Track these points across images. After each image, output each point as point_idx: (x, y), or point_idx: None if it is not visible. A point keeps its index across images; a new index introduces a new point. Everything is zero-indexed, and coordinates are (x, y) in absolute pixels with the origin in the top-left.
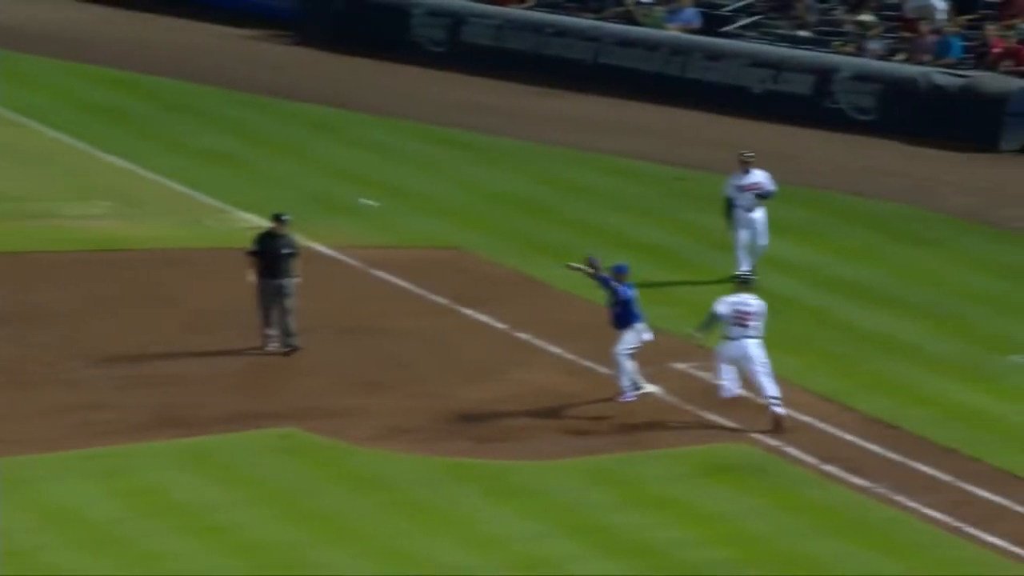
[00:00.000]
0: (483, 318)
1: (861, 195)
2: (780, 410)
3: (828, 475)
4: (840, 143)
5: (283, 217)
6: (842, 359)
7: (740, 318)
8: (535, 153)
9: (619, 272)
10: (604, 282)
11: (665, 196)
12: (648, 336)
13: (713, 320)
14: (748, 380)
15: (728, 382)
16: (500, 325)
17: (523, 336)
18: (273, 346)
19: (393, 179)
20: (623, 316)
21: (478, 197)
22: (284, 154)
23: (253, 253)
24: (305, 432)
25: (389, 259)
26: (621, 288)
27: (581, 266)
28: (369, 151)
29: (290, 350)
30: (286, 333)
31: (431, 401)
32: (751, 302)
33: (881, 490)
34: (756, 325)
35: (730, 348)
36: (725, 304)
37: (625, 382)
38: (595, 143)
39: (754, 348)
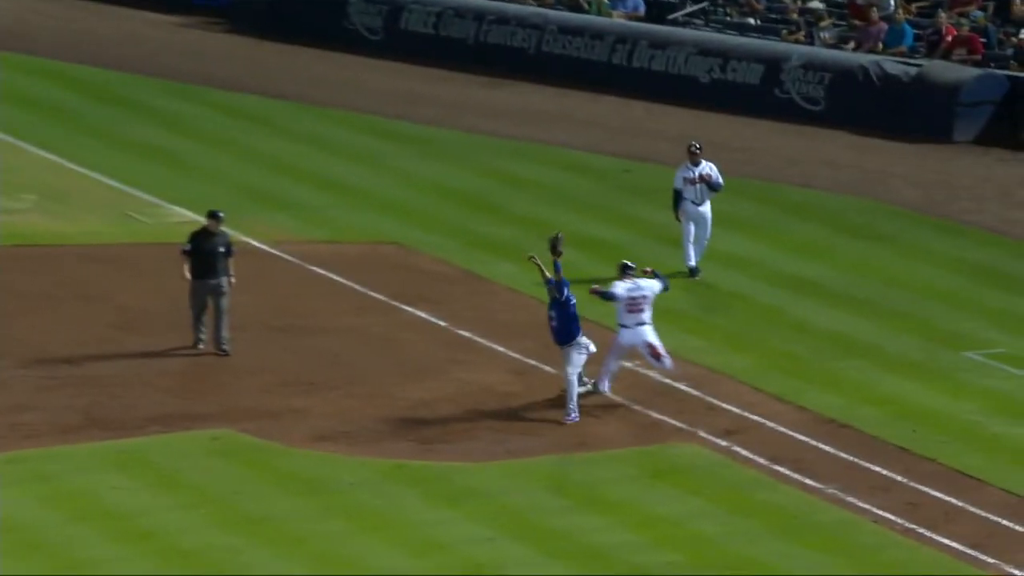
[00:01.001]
0: (425, 316)
1: (812, 188)
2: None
3: (779, 476)
4: (790, 134)
5: (218, 214)
6: (794, 357)
7: (634, 303)
8: (477, 145)
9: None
10: (550, 280)
11: (612, 189)
12: (592, 348)
13: (607, 299)
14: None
15: (608, 382)
16: (442, 323)
17: (466, 334)
18: (203, 345)
19: (331, 172)
20: (564, 326)
21: (419, 191)
22: (217, 146)
23: (187, 252)
24: (239, 434)
25: (327, 255)
26: (567, 291)
27: (540, 262)
28: (306, 143)
29: (222, 355)
30: (218, 337)
31: (371, 401)
32: (644, 286)
33: (832, 491)
34: (649, 310)
35: (627, 336)
36: (622, 288)
37: (573, 404)
38: (539, 135)
39: (650, 334)
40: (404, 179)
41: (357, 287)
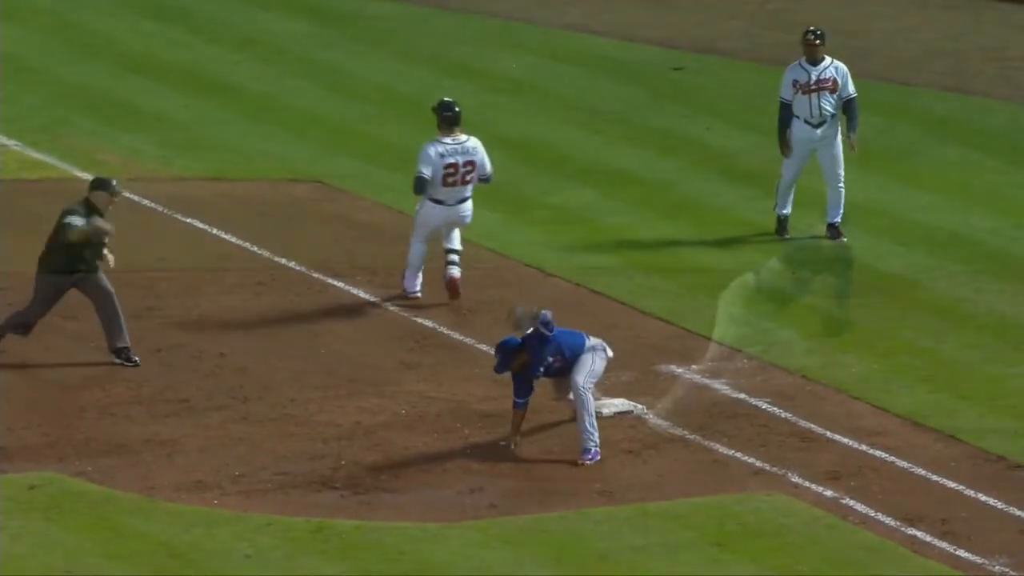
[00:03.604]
0: (361, 294)
1: (971, 93)
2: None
3: (915, 543)
4: (936, 6)
5: (111, 185)
6: (940, 358)
7: (454, 171)
8: (440, 26)
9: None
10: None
11: (652, 98)
12: (610, 352)
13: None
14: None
15: (418, 277)
16: (389, 306)
17: (426, 323)
18: None
19: (209, 70)
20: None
21: (351, 99)
22: (23, 23)
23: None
24: (71, 479)
25: (208, 199)
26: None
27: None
28: (170, 20)
29: (130, 365)
30: (118, 341)
31: (277, 428)
32: (469, 147)
33: (1000, 568)
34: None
35: (437, 214)
36: (434, 152)
37: (592, 435)
38: (536, 11)
39: (470, 216)
40: (328, 79)
41: (255, 249)
